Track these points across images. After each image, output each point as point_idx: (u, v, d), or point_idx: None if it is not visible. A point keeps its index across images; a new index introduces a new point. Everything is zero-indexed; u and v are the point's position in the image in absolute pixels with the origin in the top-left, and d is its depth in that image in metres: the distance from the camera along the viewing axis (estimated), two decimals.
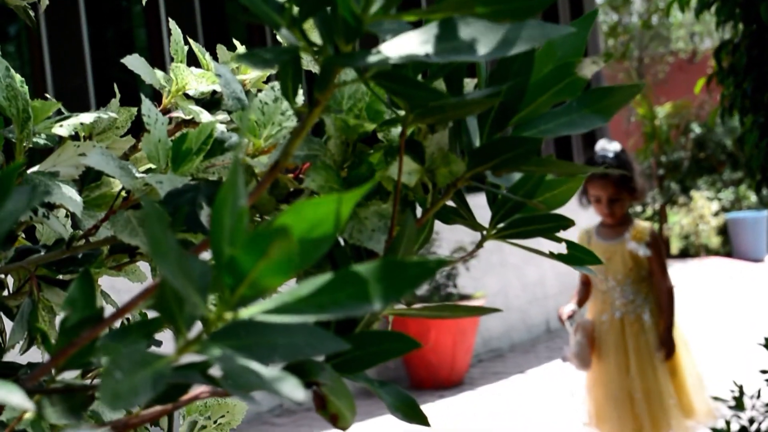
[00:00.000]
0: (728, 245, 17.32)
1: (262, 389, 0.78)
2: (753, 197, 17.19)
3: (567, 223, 1.20)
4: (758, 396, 4.76)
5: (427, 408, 8.74)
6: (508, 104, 1.13)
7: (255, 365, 0.80)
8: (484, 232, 1.24)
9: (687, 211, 17.76)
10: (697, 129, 18.48)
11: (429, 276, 0.79)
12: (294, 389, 0.78)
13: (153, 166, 1.33)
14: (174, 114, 1.47)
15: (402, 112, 1.12)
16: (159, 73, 1.43)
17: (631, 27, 20.64)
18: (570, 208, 1.28)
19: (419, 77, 1.10)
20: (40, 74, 7.74)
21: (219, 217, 0.80)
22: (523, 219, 1.22)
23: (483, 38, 0.89)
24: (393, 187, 1.16)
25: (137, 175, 1.28)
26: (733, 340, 10.41)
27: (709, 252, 17.55)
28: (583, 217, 6.14)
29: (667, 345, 5.66)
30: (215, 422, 1.77)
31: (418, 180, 1.17)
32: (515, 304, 11.41)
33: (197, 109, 1.39)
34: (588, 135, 13.48)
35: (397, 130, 1.20)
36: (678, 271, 16.11)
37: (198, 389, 1.07)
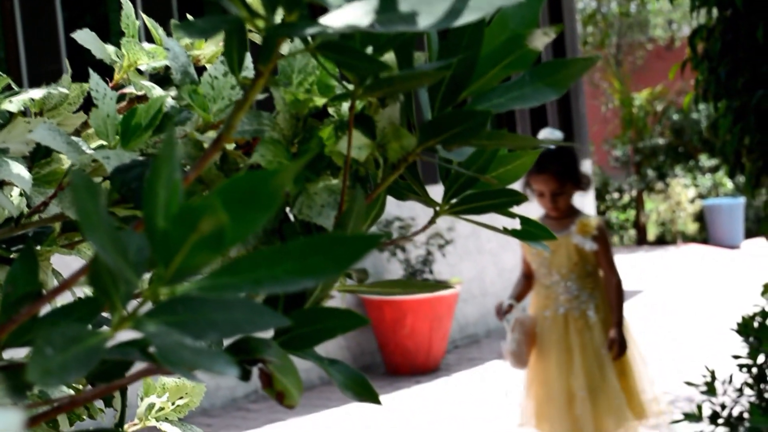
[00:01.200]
0: (705, 232, 17.37)
1: (195, 367, 0.76)
2: (730, 184, 17.23)
3: (519, 198, 1.18)
4: (730, 381, 4.76)
5: (403, 394, 8.76)
6: (458, 77, 1.11)
7: (190, 341, 0.78)
8: (437, 208, 1.22)
9: (664, 197, 17.80)
10: (674, 116, 18.49)
11: (368, 250, 0.77)
12: (227, 366, 0.76)
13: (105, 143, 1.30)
14: (127, 90, 1.45)
15: (352, 86, 1.10)
16: (110, 48, 1.41)
17: (610, 14, 20.64)
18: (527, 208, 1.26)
19: (369, 50, 1.08)
20: (14, 59, 7.69)
21: (152, 191, 0.78)
22: (476, 194, 1.20)
23: (428, 8, 0.87)
24: (343, 163, 1.15)
25: (86, 150, 1.26)
26: (708, 326, 10.44)
27: (686, 239, 17.60)
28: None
29: (617, 342, 5.43)
30: (173, 404, 1.75)
31: (369, 155, 1.16)
32: (491, 290, 11.41)
33: (149, 84, 1.37)
34: (565, 118, 13.49)
35: (348, 105, 1.18)
36: (655, 258, 16.15)
37: (142, 367, 1.05)
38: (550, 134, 5.74)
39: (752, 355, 4.80)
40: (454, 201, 1.22)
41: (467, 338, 10.98)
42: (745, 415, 4.76)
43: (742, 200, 16.82)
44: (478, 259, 11.27)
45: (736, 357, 4.82)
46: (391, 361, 9.65)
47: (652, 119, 19.09)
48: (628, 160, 18.74)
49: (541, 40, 1.09)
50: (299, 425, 7.98)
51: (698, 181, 18.01)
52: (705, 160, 18.12)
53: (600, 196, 18.40)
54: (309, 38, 0.98)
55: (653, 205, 17.91)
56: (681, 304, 12.03)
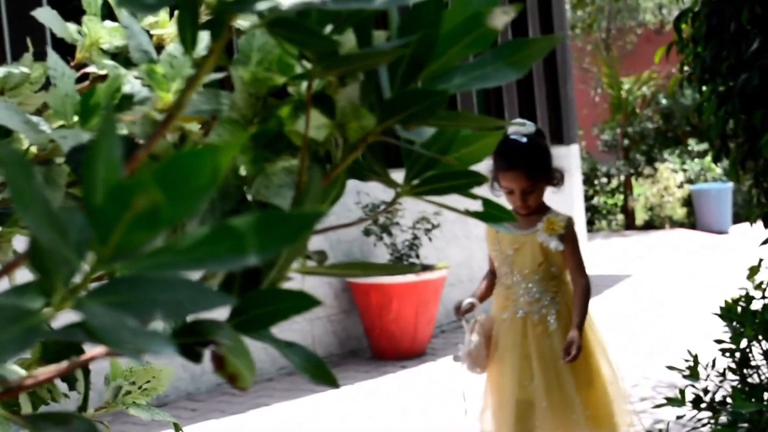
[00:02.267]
0: (693, 217, 17.38)
1: (133, 347, 0.75)
2: (719, 169, 17.23)
3: (480, 179, 1.16)
4: (713, 365, 4.76)
5: (388, 378, 8.76)
6: (418, 56, 1.10)
7: (130, 321, 0.77)
8: (399, 189, 1.21)
9: (652, 182, 17.80)
10: (663, 100, 18.49)
11: (308, 228, 0.76)
12: (165, 347, 0.75)
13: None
14: (90, 69, 1.43)
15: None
16: (72, 27, 1.39)
17: None
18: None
19: (327, 28, 1.07)
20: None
21: (91, 168, 0.76)
22: (437, 175, 1.19)
23: None
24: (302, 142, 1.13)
25: (45, 130, 1.24)
26: (694, 310, 10.45)
27: (674, 224, 17.61)
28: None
29: (576, 345, 4.92)
30: (140, 387, 1.74)
31: (328, 135, 1.14)
32: (479, 275, 11.39)
33: (111, 63, 1.35)
34: (553, 102, 13.48)
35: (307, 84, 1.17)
36: (642, 243, 16.16)
37: (96, 350, 1.03)
38: (520, 126, 5.08)
39: (735, 339, 4.80)
40: (415, 182, 1.20)
41: (454, 323, 10.98)
42: (728, 400, 4.76)
43: (730, 185, 16.84)
44: (466, 244, 11.26)
45: (719, 342, 4.82)
46: (377, 346, 9.65)
47: (640, 104, 19.09)
48: (617, 145, 18.74)
49: (501, 19, 1.08)
50: (285, 409, 7.98)
51: (687, 165, 18.02)
52: (693, 145, 18.12)
53: (588, 181, 18.41)
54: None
55: (641, 190, 17.92)
56: (668, 288, 12.04)
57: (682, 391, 4.69)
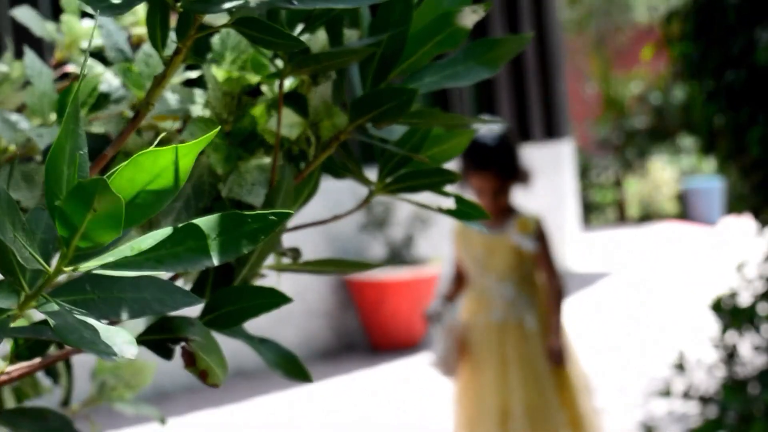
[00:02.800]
0: (684, 212, 17.40)
1: (93, 346, 0.76)
2: (709, 164, 17.24)
3: (453, 177, 1.18)
4: (702, 360, 4.79)
5: (384, 368, 8.78)
6: (388, 55, 1.11)
7: (91, 320, 0.78)
8: (373, 188, 1.22)
9: (644, 178, 17.82)
10: (655, 97, 18.51)
11: (270, 229, 0.77)
12: (125, 346, 0.76)
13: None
14: (70, 68, 1.44)
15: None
16: (51, 26, 1.40)
17: None
18: None
19: (298, 27, 1.08)
20: None
21: (54, 167, 0.77)
22: (410, 173, 1.20)
23: None
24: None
25: (24, 128, 1.25)
26: (684, 304, 10.47)
27: (666, 218, 17.63)
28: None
29: (557, 352, 4.83)
30: (125, 382, 1.75)
31: (301, 133, 1.15)
32: None
33: (91, 62, 1.36)
34: (546, 99, 13.48)
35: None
36: (633, 238, 16.19)
37: (68, 348, 1.04)
38: (488, 127, 4.91)
39: (723, 333, 4.83)
40: (388, 180, 1.21)
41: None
42: (717, 394, 4.78)
43: (720, 181, 16.85)
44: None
45: (708, 336, 4.85)
46: (373, 340, 9.70)
47: (632, 101, 19.10)
48: (609, 141, 18.76)
49: (470, 18, 1.09)
50: (282, 400, 8.01)
51: (678, 161, 18.04)
52: (685, 141, 18.14)
53: (581, 176, 18.42)
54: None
55: (634, 186, 17.94)
56: (659, 282, 12.05)
57: (667, 384, 4.72)
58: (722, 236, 14.84)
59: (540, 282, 4.96)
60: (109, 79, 1.29)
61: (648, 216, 17.74)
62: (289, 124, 1.13)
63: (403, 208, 10.11)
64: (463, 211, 1.21)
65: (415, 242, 9.95)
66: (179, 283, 1.24)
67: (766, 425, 4.31)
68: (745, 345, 5.01)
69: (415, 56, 1.12)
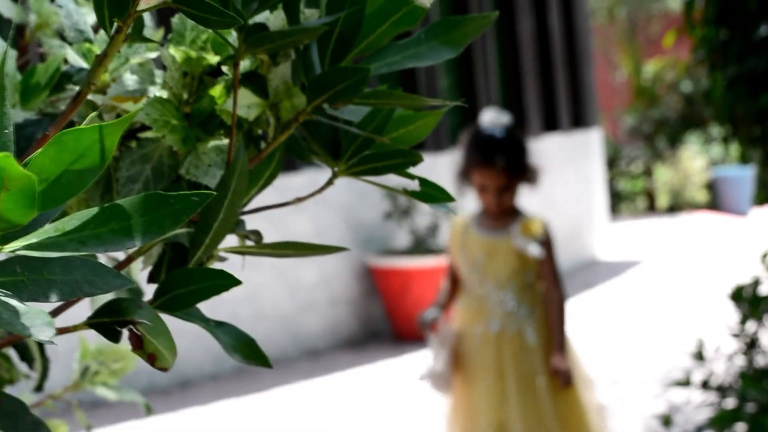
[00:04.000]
0: (715, 201, 17.31)
1: (10, 326, 0.75)
2: (741, 155, 17.09)
3: (416, 158, 1.16)
4: (721, 349, 4.75)
5: (409, 357, 8.77)
6: (345, 35, 1.09)
7: (13, 301, 0.77)
8: (336, 169, 1.20)
9: (674, 167, 17.73)
10: (685, 86, 18.40)
11: (193, 210, 0.75)
12: (44, 329, 0.74)
13: None
14: (42, 50, 1.43)
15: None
16: (20, 8, 1.39)
17: None
18: None
19: (253, 6, 1.07)
20: None
21: None
22: (373, 155, 1.18)
23: None
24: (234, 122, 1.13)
25: None
26: (710, 293, 10.41)
27: (696, 207, 17.54)
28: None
29: (564, 374, 4.43)
30: (108, 367, 1.74)
31: (260, 114, 1.14)
32: None
33: (58, 43, 1.35)
34: (573, 87, 13.41)
35: (243, 63, 1.16)
36: (663, 227, 16.11)
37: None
38: (495, 118, 4.58)
39: (742, 322, 4.79)
40: (352, 162, 1.20)
41: None
42: (736, 383, 4.75)
43: (751, 170, 16.74)
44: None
45: (728, 326, 4.81)
46: (397, 328, 9.68)
47: (663, 89, 19.00)
48: (639, 130, 18.66)
49: None
50: (305, 389, 8.02)
51: (709, 150, 17.93)
52: (716, 130, 18.03)
53: (611, 166, 18.35)
54: None
55: (663, 175, 17.84)
56: (687, 272, 12.00)
57: (687, 374, 4.69)
58: (752, 226, 14.75)
59: (541, 291, 4.60)
60: (75, 61, 1.28)
61: (678, 205, 17.65)
62: (246, 104, 1.11)
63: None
64: (427, 194, 1.20)
65: (440, 231, 9.93)
66: (138, 266, 1.23)
67: None
68: (766, 334, 4.97)
69: (372, 36, 1.10)
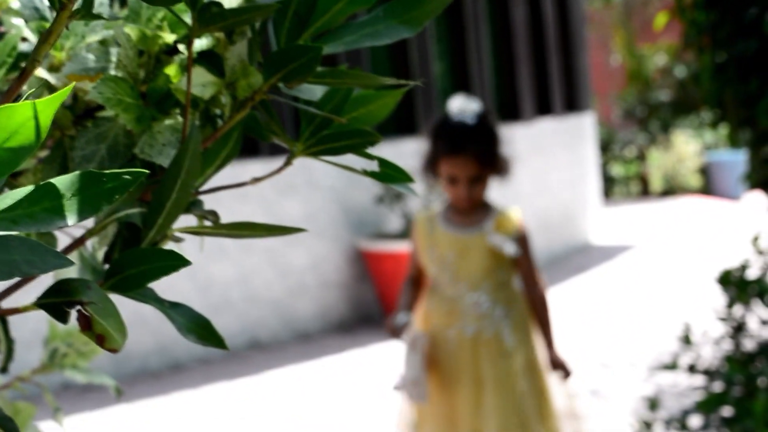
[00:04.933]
0: (708, 185, 17.31)
1: None
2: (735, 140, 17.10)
3: (374, 138, 1.15)
4: (708, 333, 4.75)
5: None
6: (301, 14, 1.08)
7: None
8: (294, 149, 1.19)
9: (668, 151, 17.73)
10: (679, 70, 18.40)
11: (126, 189, 0.74)
12: None
13: None
14: (1, 29, 1.41)
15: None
16: None
17: None
18: None
19: None
20: None
21: None
22: (331, 135, 1.17)
23: None
24: (189, 101, 1.12)
25: None
26: (701, 277, 10.42)
27: (689, 192, 17.55)
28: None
29: (559, 365, 4.25)
30: (77, 350, 1.73)
31: (217, 93, 1.13)
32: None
33: (17, 21, 1.33)
34: (567, 71, 13.39)
35: (199, 42, 1.15)
36: (656, 211, 16.12)
37: None
38: (465, 104, 4.25)
39: (730, 306, 4.79)
40: (310, 142, 1.19)
41: None
42: (723, 367, 4.75)
43: (744, 154, 16.71)
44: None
45: (714, 308, 4.81)
46: (389, 312, 9.67)
47: (657, 73, 18.99)
48: (633, 114, 18.66)
49: None
50: (296, 373, 8.02)
51: (702, 134, 17.93)
52: (709, 114, 18.03)
53: (605, 150, 18.35)
54: None
55: (657, 159, 17.84)
56: (679, 256, 12.00)
57: (675, 358, 4.68)
58: (745, 211, 14.75)
59: (516, 291, 4.31)
60: (33, 39, 1.27)
61: (671, 190, 17.66)
62: (201, 83, 1.10)
63: (420, 180, 10.10)
64: (387, 174, 1.19)
65: None
66: (90, 246, 1.22)
67: None
68: (753, 318, 4.97)
69: (329, 14, 1.09)
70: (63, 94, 0.74)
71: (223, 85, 1.12)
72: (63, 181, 0.75)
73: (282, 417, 6.90)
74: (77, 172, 0.75)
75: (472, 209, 4.23)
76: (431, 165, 4.26)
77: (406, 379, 4.19)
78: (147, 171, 0.75)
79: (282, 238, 9.12)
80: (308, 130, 1.18)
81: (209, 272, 8.70)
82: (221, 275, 8.78)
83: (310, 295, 9.44)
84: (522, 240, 4.24)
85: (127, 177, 0.74)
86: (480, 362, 4.20)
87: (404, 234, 9.67)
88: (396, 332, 4.22)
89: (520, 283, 4.31)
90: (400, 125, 10.52)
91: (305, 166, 9.31)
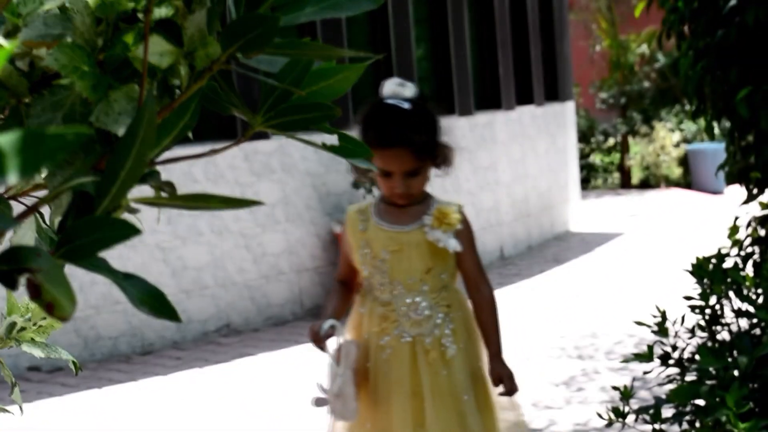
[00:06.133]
0: (689, 176, 17.34)
1: None
2: (716, 129, 17.14)
3: (333, 112, 1.13)
4: (682, 322, 4.74)
5: None
6: None
7: None
8: (252, 122, 1.18)
9: (649, 141, 17.75)
10: (661, 59, 18.42)
11: (68, 148, 0.73)
12: None
13: None
14: None
15: None
16: None
17: None
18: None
19: None
20: None
21: None
22: (290, 108, 1.15)
23: None
24: (147, 70, 1.10)
25: None
26: (680, 269, 10.43)
27: (670, 183, 17.57)
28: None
29: (507, 377, 3.73)
30: (35, 324, 1.71)
31: (174, 62, 1.11)
32: None
33: None
34: (548, 59, 13.39)
35: (158, 11, 1.14)
36: (636, 202, 16.14)
37: None
38: (399, 88, 3.81)
39: (704, 296, 4.78)
40: (269, 115, 1.17)
41: None
42: (696, 357, 4.75)
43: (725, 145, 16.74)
44: (455, 198, 11.20)
45: (689, 298, 4.80)
46: None
47: (639, 62, 19.01)
48: (615, 103, 18.68)
49: None
50: (269, 360, 7.99)
51: (683, 125, 17.97)
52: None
53: (585, 139, 18.36)
54: None
55: (638, 149, 17.87)
56: (658, 247, 12.03)
57: (650, 347, 4.68)
58: (725, 203, 14.79)
59: (459, 293, 3.87)
60: None
61: (652, 180, 17.69)
62: (159, 52, 1.09)
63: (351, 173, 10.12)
64: (346, 149, 1.17)
65: None
66: (48, 219, 1.20)
67: (741, 389, 4.28)
68: (727, 308, 4.97)
69: None
70: (8, 51, 0.73)
71: (181, 55, 1.11)
72: (6, 140, 0.74)
73: (254, 403, 6.89)
74: (19, 131, 0.73)
75: (409, 204, 3.80)
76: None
77: (331, 393, 3.70)
78: (91, 130, 0.74)
79: (257, 221, 9.10)
80: (267, 103, 1.16)
81: (182, 256, 8.67)
82: (195, 259, 8.75)
83: (285, 280, 9.42)
84: (465, 236, 3.78)
85: (69, 137, 0.73)
86: (418, 373, 3.74)
87: None
88: (319, 341, 3.70)
89: (464, 285, 3.87)
90: None
91: (282, 149, 9.28)
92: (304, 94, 1.11)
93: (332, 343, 3.73)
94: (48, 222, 1.34)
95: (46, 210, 1.23)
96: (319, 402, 3.74)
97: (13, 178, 0.74)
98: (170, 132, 1.15)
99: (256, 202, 1.12)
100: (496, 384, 3.73)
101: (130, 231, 0.97)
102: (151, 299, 1.08)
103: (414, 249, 3.76)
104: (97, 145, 1.11)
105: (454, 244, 3.71)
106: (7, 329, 1.70)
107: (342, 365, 3.70)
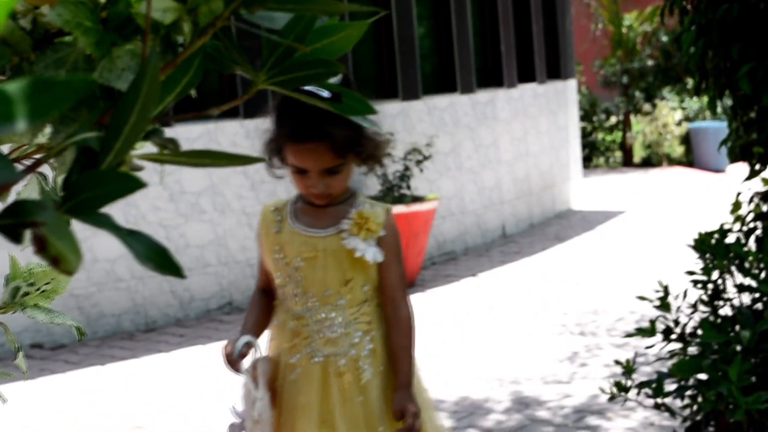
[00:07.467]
0: (691, 155, 17.32)
1: None
2: (718, 107, 17.13)
3: (337, 69, 1.13)
4: (684, 297, 4.75)
5: None
6: None
7: None
8: (255, 78, 1.18)
9: (651, 119, 17.73)
10: (664, 37, 18.37)
11: (76, 95, 0.73)
12: None
13: None
14: None
15: None
16: None
17: None
18: None
19: None
20: None
21: None
22: (293, 64, 1.15)
23: None
24: (150, 26, 1.10)
25: None
26: (682, 246, 10.44)
27: (672, 161, 17.55)
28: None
29: (412, 414, 3.19)
30: (39, 289, 1.72)
31: (177, 18, 1.11)
32: (470, 209, 11.39)
33: None
34: (550, 37, 13.36)
35: None
36: (639, 180, 16.13)
37: None
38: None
39: (706, 271, 4.78)
40: (273, 72, 1.17)
41: (444, 255, 10.98)
42: (699, 332, 4.76)
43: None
44: (458, 176, 11.23)
45: (691, 273, 4.80)
46: None
47: (641, 40, 18.97)
48: (617, 81, 18.64)
49: None
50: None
51: (685, 103, 17.94)
52: (691, 82, 18.04)
53: (587, 117, 18.34)
54: None
55: (640, 127, 17.85)
56: (660, 226, 12.03)
57: (652, 322, 4.68)
58: (728, 181, 14.78)
59: (380, 308, 3.37)
60: None
61: (654, 158, 17.67)
62: (162, 8, 1.09)
63: (401, 142, 10.08)
64: (348, 106, 1.17)
65: (411, 178, 9.91)
66: (48, 172, 1.20)
67: (743, 363, 4.29)
68: (730, 283, 4.98)
69: None
70: (9, 4, 0.73)
71: (184, 11, 1.11)
72: (13, 87, 0.74)
73: None
74: (29, 79, 0.73)
75: (330, 206, 3.32)
76: (276, 152, 3.27)
77: (249, 419, 3.29)
78: (95, 79, 0.74)
79: (259, 199, 9.09)
80: (270, 60, 1.16)
81: (185, 234, 8.68)
82: (197, 237, 8.76)
83: None
84: (389, 244, 3.31)
85: (75, 86, 0.73)
86: (330, 398, 3.28)
87: (383, 197, 9.65)
88: (233, 362, 3.28)
89: (381, 299, 3.38)
90: (380, 88, 10.51)
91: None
92: (308, 50, 1.11)
93: (248, 362, 3.33)
94: (52, 182, 1.35)
95: (49, 179, 1.24)
96: (234, 429, 3.33)
97: (21, 124, 0.74)
98: (173, 88, 1.15)
99: (259, 159, 1.12)
100: (397, 419, 3.23)
101: (134, 184, 0.97)
102: (155, 255, 1.08)
103: (330, 257, 3.29)
104: (101, 101, 1.11)
105: (373, 254, 3.27)
106: (11, 293, 1.70)
107: (261, 387, 3.28)
